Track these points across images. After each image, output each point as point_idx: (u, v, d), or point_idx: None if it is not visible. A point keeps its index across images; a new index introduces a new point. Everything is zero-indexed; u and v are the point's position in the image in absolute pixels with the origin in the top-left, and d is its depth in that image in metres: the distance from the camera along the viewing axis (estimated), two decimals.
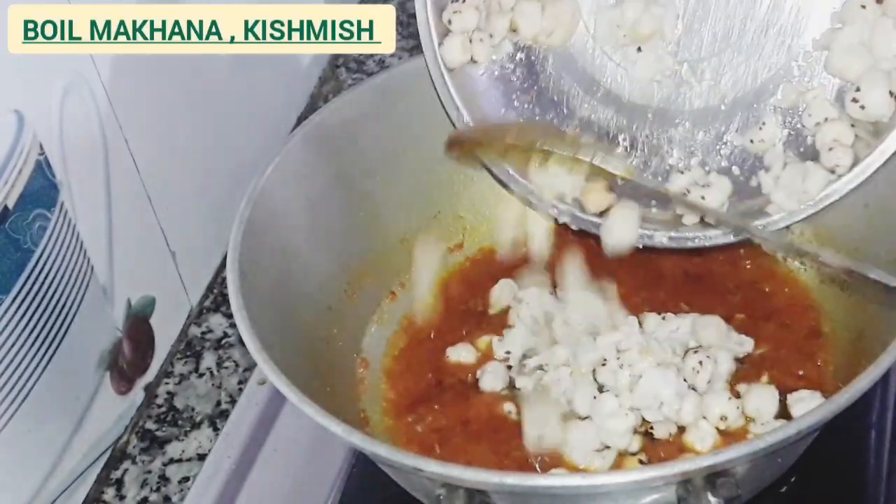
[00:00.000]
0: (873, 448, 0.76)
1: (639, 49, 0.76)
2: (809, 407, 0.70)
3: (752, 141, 0.74)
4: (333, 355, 0.79)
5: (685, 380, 0.73)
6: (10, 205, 0.72)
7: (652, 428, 0.72)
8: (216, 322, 0.96)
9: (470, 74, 0.79)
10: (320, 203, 0.80)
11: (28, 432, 0.75)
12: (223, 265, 0.73)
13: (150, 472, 0.86)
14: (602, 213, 0.75)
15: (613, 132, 0.77)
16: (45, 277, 0.76)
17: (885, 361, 0.61)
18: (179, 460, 0.86)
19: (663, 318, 0.78)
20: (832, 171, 0.70)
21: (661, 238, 0.74)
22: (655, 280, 0.82)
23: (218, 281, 0.98)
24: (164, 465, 0.86)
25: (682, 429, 0.72)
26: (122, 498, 0.84)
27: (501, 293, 0.84)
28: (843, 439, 0.74)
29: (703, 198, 0.73)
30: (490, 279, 0.85)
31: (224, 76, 0.97)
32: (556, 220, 0.78)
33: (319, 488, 0.80)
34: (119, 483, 0.85)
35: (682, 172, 0.75)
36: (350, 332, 0.81)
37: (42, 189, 0.75)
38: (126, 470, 0.86)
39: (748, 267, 0.83)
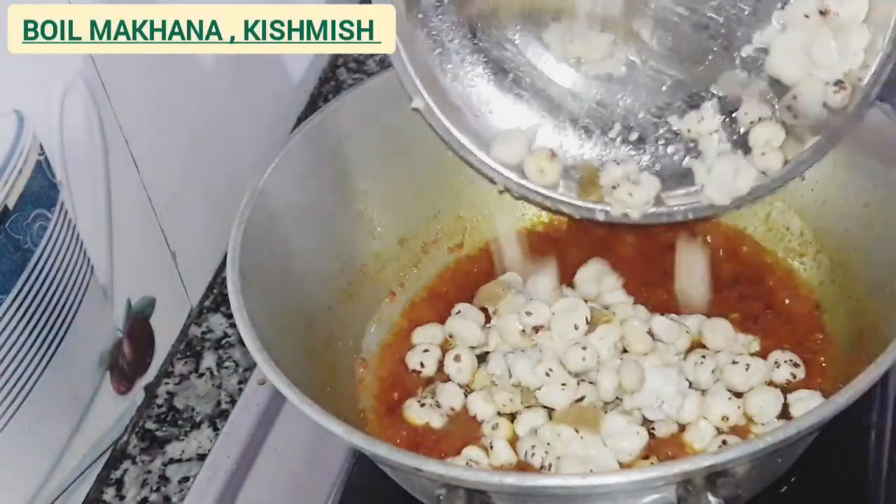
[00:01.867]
0: (873, 448, 0.76)
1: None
2: (809, 407, 0.70)
3: (689, 130, 0.76)
4: (333, 355, 0.79)
5: (687, 378, 0.74)
6: (10, 205, 0.72)
7: (653, 427, 0.72)
8: (216, 322, 0.96)
9: None
10: (320, 203, 0.80)
11: (28, 432, 0.75)
12: (223, 265, 0.73)
13: (150, 472, 0.86)
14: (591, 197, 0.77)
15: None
16: (45, 277, 0.76)
17: (885, 361, 0.61)
18: (179, 460, 0.86)
19: (671, 320, 0.77)
20: (763, 173, 0.73)
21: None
22: (658, 279, 0.82)
23: (218, 281, 0.98)
24: (164, 465, 0.86)
25: (682, 428, 0.72)
26: (122, 498, 0.84)
27: None
28: (843, 439, 0.74)
29: (630, 194, 0.75)
30: (491, 278, 0.85)
31: (224, 76, 0.97)
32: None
33: (319, 488, 0.80)
34: (119, 483, 0.85)
35: (617, 164, 0.77)
36: (350, 332, 0.81)
37: (42, 189, 0.75)
38: (126, 470, 0.86)
39: (748, 266, 0.83)
